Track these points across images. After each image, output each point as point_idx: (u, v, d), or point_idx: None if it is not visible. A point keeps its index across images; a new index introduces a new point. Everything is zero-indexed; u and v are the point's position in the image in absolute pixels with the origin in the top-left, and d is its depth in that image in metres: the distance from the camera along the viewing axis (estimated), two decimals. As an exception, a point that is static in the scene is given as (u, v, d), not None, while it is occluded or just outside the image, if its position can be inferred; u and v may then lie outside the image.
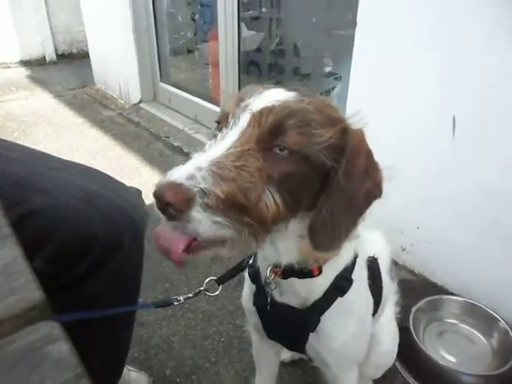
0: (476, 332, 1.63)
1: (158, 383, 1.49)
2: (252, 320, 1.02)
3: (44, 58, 5.11)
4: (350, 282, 0.87)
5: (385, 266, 1.14)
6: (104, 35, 3.94)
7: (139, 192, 1.06)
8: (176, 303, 1.03)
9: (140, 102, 3.81)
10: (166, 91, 3.69)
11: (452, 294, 1.78)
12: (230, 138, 0.64)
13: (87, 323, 0.97)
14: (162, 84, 3.74)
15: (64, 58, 5.28)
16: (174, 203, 0.56)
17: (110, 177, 1.03)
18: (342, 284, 0.86)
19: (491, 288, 1.69)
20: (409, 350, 1.52)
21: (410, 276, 1.96)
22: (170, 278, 1.94)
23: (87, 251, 0.88)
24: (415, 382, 1.50)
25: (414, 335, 1.54)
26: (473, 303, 1.66)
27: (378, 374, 1.39)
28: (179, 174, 0.58)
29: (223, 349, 1.62)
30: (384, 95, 1.82)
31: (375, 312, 1.04)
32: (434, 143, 1.71)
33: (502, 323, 1.56)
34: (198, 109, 3.38)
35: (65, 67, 5.12)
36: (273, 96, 0.67)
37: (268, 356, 1.20)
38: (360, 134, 0.71)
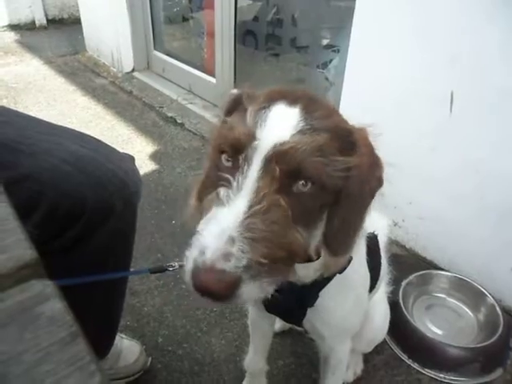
0: (463, 306, 1.66)
1: (150, 351, 1.50)
2: None
3: (33, 22, 4.94)
4: (349, 259, 0.87)
5: (383, 247, 1.14)
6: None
7: (132, 158, 1.04)
8: (171, 269, 1.03)
9: (133, 70, 3.72)
10: (160, 60, 3.61)
11: (442, 270, 1.81)
12: (248, 187, 0.59)
13: (80, 289, 0.97)
14: (155, 52, 3.65)
15: (54, 23, 5.11)
16: (220, 293, 0.55)
17: (102, 142, 1.01)
18: None
19: (480, 264, 1.72)
20: (398, 323, 1.55)
21: (402, 251, 1.98)
22: (162, 249, 1.94)
23: (77, 215, 0.87)
24: (403, 354, 1.53)
25: (404, 309, 1.56)
26: (461, 278, 1.69)
27: (369, 349, 1.42)
28: (213, 253, 0.54)
29: (215, 319, 1.64)
30: (382, 69, 1.79)
31: (373, 287, 1.05)
32: (430, 118, 1.70)
33: (490, 298, 1.59)
34: (192, 79, 3.31)
35: (55, 33, 4.96)
36: (281, 125, 0.62)
37: (263, 327, 1.21)
38: (365, 138, 0.69)
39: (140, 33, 3.56)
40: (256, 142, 0.60)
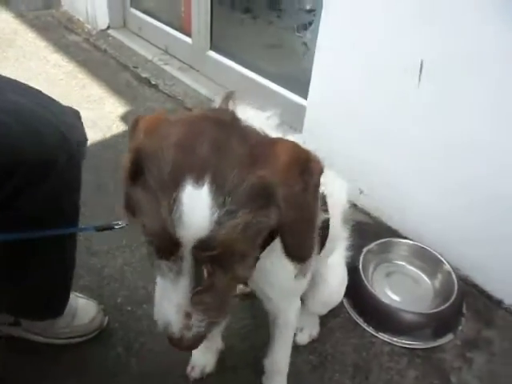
0: (422, 274, 1.70)
1: (109, 311, 1.50)
2: None
3: None
4: None
5: (339, 209, 1.13)
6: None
7: (76, 113, 1.00)
8: (117, 227, 1.02)
9: (108, 28, 3.57)
10: (136, 18, 3.47)
11: (404, 238, 1.83)
12: (186, 270, 0.63)
13: (29, 244, 0.95)
14: (132, 10, 3.50)
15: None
16: (191, 349, 0.75)
17: (46, 95, 0.96)
18: None
19: (440, 234, 1.74)
20: (356, 288, 1.57)
21: (367, 219, 1.99)
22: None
23: (14, 168, 0.84)
24: (359, 318, 1.56)
25: (362, 274, 1.59)
26: (421, 246, 1.72)
27: (324, 311, 1.44)
28: (177, 329, 0.66)
29: (176, 280, 1.64)
30: (354, 33, 1.74)
31: (321, 247, 1.05)
32: (399, 86, 1.67)
33: (446, 265, 1.62)
34: (169, 39, 3.20)
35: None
36: (196, 217, 0.58)
37: None
38: (283, 170, 0.62)
39: (116, -12, 3.41)
40: (179, 240, 0.60)
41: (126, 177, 0.65)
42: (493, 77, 1.44)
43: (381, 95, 1.74)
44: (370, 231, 1.88)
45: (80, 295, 1.45)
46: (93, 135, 2.30)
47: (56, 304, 1.30)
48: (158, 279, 0.68)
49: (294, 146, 0.66)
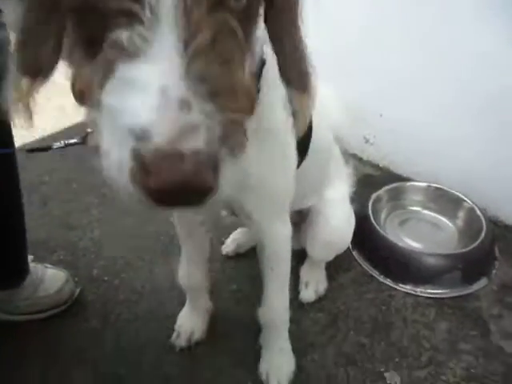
0: (440, 216, 1.47)
1: (83, 283, 1.30)
2: None
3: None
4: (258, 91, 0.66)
5: (327, 115, 0.94)
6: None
7: None
8: (55, 147, 0.83)
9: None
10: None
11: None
12: (170, 12, 0.36)
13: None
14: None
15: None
16: (203, 185, 0.35)
17: None
18: None
19: (460, 174, 1.51)
20: (367, 238, 1.37)
21: (375, 171, 1.78)
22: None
23: None
24: (373, 270, 1.34)
25: (373, 221, 1.37)
26: (436, 187, 1.50)
27: (328, 256, 1.22)
28: (171, 130, 0.33)
29: (161, 248, 1.44)
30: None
31: (302, 155, 0.84)
32: (396, 6, 1.47)
33: (468, 203, 1.40)
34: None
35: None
36: None
37: (191, 225, 1.00)
38: None
39: None
40: None
41: None
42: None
43: (380, 40, 1.54)
44: (378, 181, 1.66)
45: (49, 266, 1.26)
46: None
47: (10, 270, 1.11)
48: (109, 85, 0.37)
49: None
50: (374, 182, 1.66)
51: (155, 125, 0.33)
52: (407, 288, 1.28)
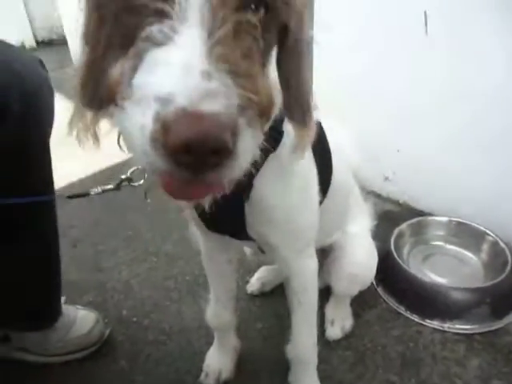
0: (464, 251, 1.47)
1: (113, 324, 1.33)
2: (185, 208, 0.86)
3: (23, 45, 4.98)
4: (281, 133, 0.72)
5: (345, 155, 0.99)
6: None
7: (39, 60, 0.91)
8: (93, 193, 0.88)
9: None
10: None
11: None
12: (196, 10, 0.41)
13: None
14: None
15: (44, 44, 5.15)
16: (221, 144, 0.38)
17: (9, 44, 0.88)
18: (271, 135, 0.70)
19: (480, 207, 1.52)
20: (391, 273, 1.37)
21: (395, 207, 1.79)
22: (134, 226, 1.79)
23: None
24: (399, 306, 1.33)
25: (396, 256, 1.38)
26: (459, 222, 1.50)
27: (354, 291, 1.23)
28: (194, 93, 0.37)
29: (187, 287, 1.47)
30: None
31: (325, 191, 0.88)
32: (407, 43, 1.53)
33: (491, 236, 1.40)
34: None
35: (44, 52, 5.00)
36: None
37: (220, 263, 1.03)
38: None
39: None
40: None
41: None
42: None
43: (388, 59, 1.60)
44: (399, 217, 1.67)
45: (80, 307, 1.30)
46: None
47: (43, 311, 1.15)
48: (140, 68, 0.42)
49: None
50: (394, 218, 1.68)
51: (178, 90, 0.37)
52: (434, 324, 1.27)
